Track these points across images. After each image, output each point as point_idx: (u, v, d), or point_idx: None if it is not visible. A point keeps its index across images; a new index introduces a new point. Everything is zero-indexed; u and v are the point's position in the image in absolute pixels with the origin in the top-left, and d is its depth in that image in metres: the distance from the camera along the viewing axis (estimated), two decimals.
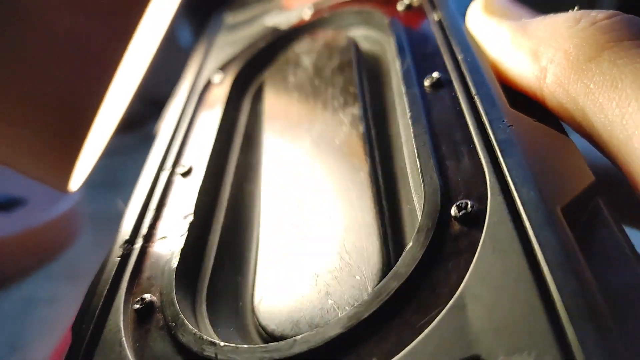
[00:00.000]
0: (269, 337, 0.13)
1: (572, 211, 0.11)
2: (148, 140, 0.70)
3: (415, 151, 0.14)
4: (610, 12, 0.13)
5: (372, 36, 0.22)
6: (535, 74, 0.14)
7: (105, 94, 0.20)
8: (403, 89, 0.17)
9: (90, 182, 0.51)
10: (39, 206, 0.40)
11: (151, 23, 0.28)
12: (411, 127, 0.15)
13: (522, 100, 0.14)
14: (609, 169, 0.13)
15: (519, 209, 0.11)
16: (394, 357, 0.10)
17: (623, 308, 0.09)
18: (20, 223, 0.38)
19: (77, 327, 0.14)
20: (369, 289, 0.13)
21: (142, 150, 0.66)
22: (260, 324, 0.14)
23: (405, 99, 0.16)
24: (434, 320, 0.10)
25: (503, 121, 0.13)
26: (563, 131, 0.13)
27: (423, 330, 0.10)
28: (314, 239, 0.15)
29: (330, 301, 0.13)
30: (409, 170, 0.15)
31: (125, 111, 0.36)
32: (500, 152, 0.12)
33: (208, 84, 0.24)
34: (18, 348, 0.32)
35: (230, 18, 0.30)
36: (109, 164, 0.57)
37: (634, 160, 0.11)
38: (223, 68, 0.24)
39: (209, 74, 0.24)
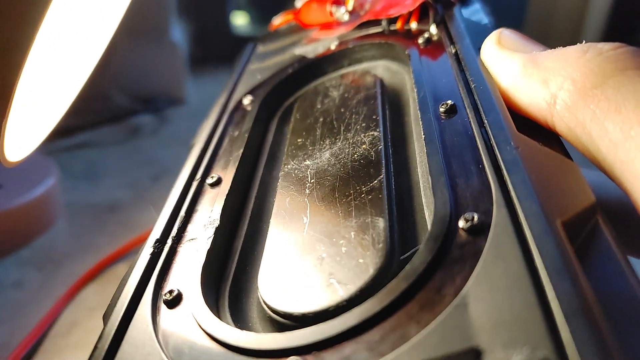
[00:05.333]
0: (277, 316, 0.14)
1: (571, 226, 0.12)
2: (132, 133, 0.69)
3: (428, 168, 0.15)
4: (616, 44, 0.14)
5: (393, 68, 0.24)
6: (546, 100, 0.14)
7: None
8: (419, 114, 0.18)
9: (70, 172, 0.51)
10: (12, 191, 0.39)
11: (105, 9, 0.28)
12: (425, 147, 0.16)
13: (528, 126, 0.15)
14: (620, 200, 0.14)
15: (521, 220, 0.12)
16: (399, 346, 0.11)
17: (615, 315, 0.10)
18: None
19: (108, 315, 0.15)
20: (371, 270, 0.13)
21: (125, 143, 0.65)
22: (265, 303, 0.14)
23: (420, 123, 0.17)
24: (437, 316, 0.11)
25: (510, 144, 0.14)
26: (566, 155, 0.14)
27: (428, 325, 0.11)
28: (323, 231, 0.16)
29: (332, 280, 0.14)
30: (422, 187, 0.17)
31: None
32: (506, 170, 0.13)
33: (238, 105, 0.25)
34: None
35: (261, 48, 0.32)
36: (91, 155, 0.56)
37: (637, 181, 0.12)
38: (252, 91, 0.26)
39: (239, 97, 0.26)
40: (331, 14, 0.29)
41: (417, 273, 0.12)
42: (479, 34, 0.20)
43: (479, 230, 0.12)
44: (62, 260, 0.38)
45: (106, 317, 0.15)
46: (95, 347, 0.14)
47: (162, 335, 0.14)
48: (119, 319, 0.15)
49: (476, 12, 0.24)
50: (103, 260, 0.37)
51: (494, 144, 0.14)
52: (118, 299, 0.15)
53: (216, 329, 0.13)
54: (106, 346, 0.14)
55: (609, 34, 0.71)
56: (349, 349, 0.12)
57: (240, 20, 0.89)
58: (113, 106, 0.61)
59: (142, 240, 0.39)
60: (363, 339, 0.12)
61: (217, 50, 0.80)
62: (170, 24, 0.65)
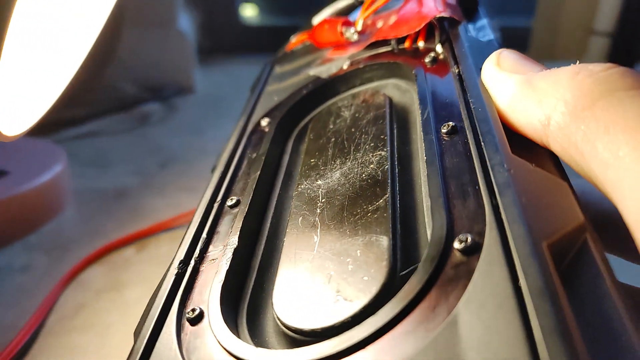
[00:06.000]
0: (289, 331, 0.15)
1: (558, 247, 0.12)
2: (140, 121, 0.69)
3: (428, 190, 0.16)
4: (607, 64, 0.14)
5: (402, 86, 0.25)
6: (541, 121, 0.15)
7: None
8: (422, 136, 0.18)
9: (79, 160, 0.51)
10: (20, 177, 0.40)
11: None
12: (425, 169, 0.17)
13: (524, 146, 0.15)
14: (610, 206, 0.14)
15: (509, 242, 0.12)
16: None
17: (594, 333, 0.11)
18: (0, 192, 0.37)
19: (138, 331, 0.16)
20: (374, 288, 0.14)
21: (133, 131, 0.65)
22: (279, 319, 0.15)
23: (423, 145, 0.18)
24: (431, 335, 0.12)
25: (504, 165, 0.14)
26: (557, 174, 0.14)
27: (422, 343, 0.12)
28: (332, 250, 0.17)
29: (339, 297, 0.14)
30: (424, 205, 0.17)
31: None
32: (498, 193, 0.14)
33: (256, 127, 0.26)
34: None
35: (278, 69, 0.33)
36: (99, 143, 0.57)
37: (625, 199, 0.12)
38: (269, 113, 0.27)
39: (257, 119, 0.27)
40: (341, 34, 0.29)
41: (414, 293, 0.13)
42: (482, 53, 0.20)
43: (473, 251, 0.13)
44: (70, 246, 0.38)
45: (136, 334, 0.16)
46: None
47: (186, 352, 0.15)
48: (147, 335, 0.16)
49: (482, 29, 0.25)
50: (107, 244, 0.37)
51: (489, 166, 0.15)
52: (147, 316, 0.16)
53: (234, 346, 0.14)
54: None
55: (616, 38, 0.71)
56: None
57: (249, 12, 0.88)
58: (121, 95, 0.62)
59: (150, 232, 0.39)
60: (362, 357, 0.12)
61: (226, 41, 0.80)
62: (178, 14, 0.65)
